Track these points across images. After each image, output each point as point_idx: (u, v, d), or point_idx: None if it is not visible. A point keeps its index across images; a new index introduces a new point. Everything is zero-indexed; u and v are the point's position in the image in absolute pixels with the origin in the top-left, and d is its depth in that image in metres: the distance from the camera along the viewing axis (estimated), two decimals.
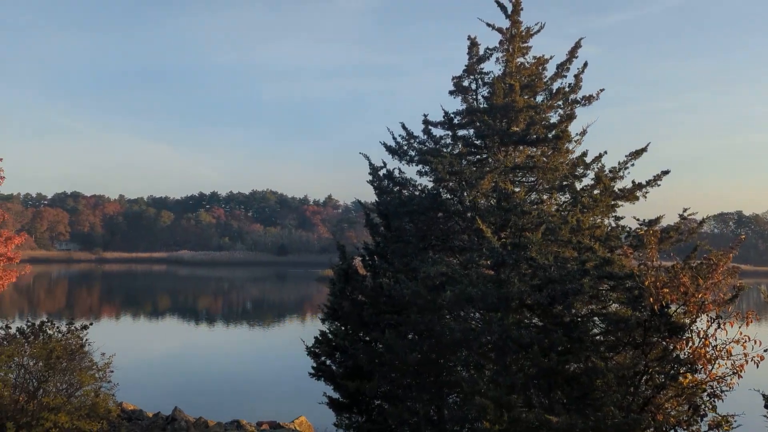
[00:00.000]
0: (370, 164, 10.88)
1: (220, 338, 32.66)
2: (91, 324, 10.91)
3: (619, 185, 9.97)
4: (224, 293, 67.35)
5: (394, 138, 10.77)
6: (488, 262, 9.04)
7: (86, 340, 10.41)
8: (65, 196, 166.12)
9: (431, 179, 10.09)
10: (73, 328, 10.37)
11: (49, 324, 10.27)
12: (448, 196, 10.03)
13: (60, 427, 8.96)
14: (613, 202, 9.88)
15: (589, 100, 10.39)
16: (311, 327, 36.52)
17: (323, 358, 10.32)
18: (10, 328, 10.19)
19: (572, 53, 10.48)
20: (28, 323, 10.22)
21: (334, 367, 10.09)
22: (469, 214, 9.69)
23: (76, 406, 9.57)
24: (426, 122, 11.04)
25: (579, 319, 8.55)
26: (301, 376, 21.06)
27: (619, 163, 9.95)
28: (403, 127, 11.05)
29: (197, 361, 25.15)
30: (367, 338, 9.79)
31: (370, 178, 10.85)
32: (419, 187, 10.48)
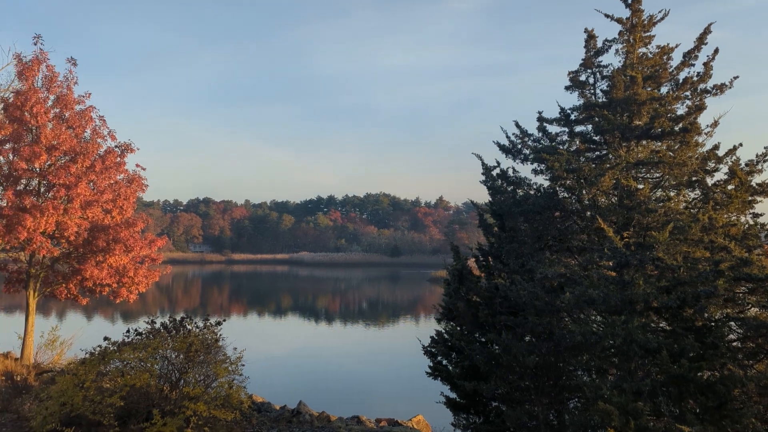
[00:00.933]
0: (483, 164, 10.73)
1: (338, 336, 33.62)
2: (224, 320, 11.62)
3: (756, 180, 9.14)
4: (341, 293, 69.26)
5: (507, 137, 10.55)
6: (610, 263, 8.61)
7: (220, 335, 11.10)
8: (198, 202, 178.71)
9: (547, 177, 9.77)
10: (208, 324, 11.09)
11: (188, 320, 11.06)
12: (566, 194, 9.67)
13: (198, 416, 9.59)
14: (750, 198, 9.06)
15: (720, 89, 9.59)
16: (424, 327, 36.63)
17: (439, 358, 10.31)
18: (155, 323, 11.06)
19: (701, 40, 9.74)
20: (170, 319, 11.05)
21: (450, 367, 10.04)
22: (588, 213, 9.30)
23: (213, 396, 10.22)
24: (541, 119, 10.71)
25: (713, 324, 7.91)
26: (416, 375, 21.22)
27: (756, 156, 9.11)
28: (517, 125, 10.80)
29: (317, 358, 26.04)
30: (483, 339, 9.65)
31: (483, 178, 10.70)
32: (534, 186, 10.19)
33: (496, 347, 9.09)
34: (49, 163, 14.81)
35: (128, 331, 10.82)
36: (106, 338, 10.76)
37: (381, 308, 51.67)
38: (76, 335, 18.40)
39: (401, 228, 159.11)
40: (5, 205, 14.00)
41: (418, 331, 34.74)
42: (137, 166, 16.80)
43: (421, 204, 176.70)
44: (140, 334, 10.82)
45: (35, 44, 15.37)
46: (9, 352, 17.16)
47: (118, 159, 15.90)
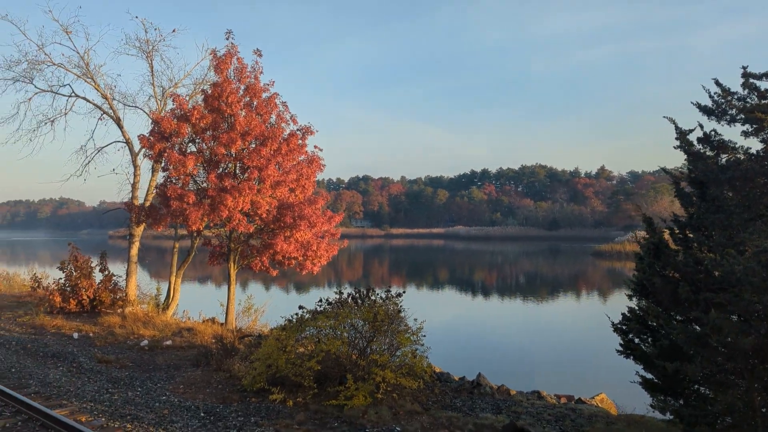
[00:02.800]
0: (677, 128, 9.75)
1: (498, 310, 33.24)
2: (404, 292, 11.89)
3: None
4: (498, 266, 68.41)
5: (710, 96, 9.47)
6: None
7: (401, 306, 11.39)
8: (358, 180, 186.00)
9: (761, 139, 8.64)
10: (390, 295, 11.43)
11: (372, 291, 11.47)
12: None
13: (387, 382, 9.95)
14: None
15: None
16: (588, 303, 34.98)
17: (631, 336, 9.67)
18: (342, 293, 11.63)
19: None
20: (356, 290, 11.55)
21: (643, 346, 9.38)
22: None
23: (398, 364, 10.55)
24: (746, 75, 9.44)
25: None
26: (591, 352, 20.40)
27: None
28: (717, 83, 9.61)
29: (483, 331, 25.97)
30: (683, 317, 8.86)
31: (678, 143, 9.73)
32: (743, 150, 9.07)
33: (699, 326, 8.30)
34: (242, 147, 16.10)
35: (320, 300, 11.47)
36: (300, 307, 11.50)
37: (540, 282, 50.22)
38: (267, 303, 20.08)
39: (559, 200, 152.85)
40: (209, 187, 15.49)
41: (581, 307, 33.25)
42: (315, 147, 17.75)
43: (580, 174, 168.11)
44: (330, 303, 11.45)
45: (227, 39, 16.76)
46: (214, 317, 19.16)
47: (300, 141, 16.87)
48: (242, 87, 16.62)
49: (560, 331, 25.49)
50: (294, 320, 11.16)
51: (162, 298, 20.24)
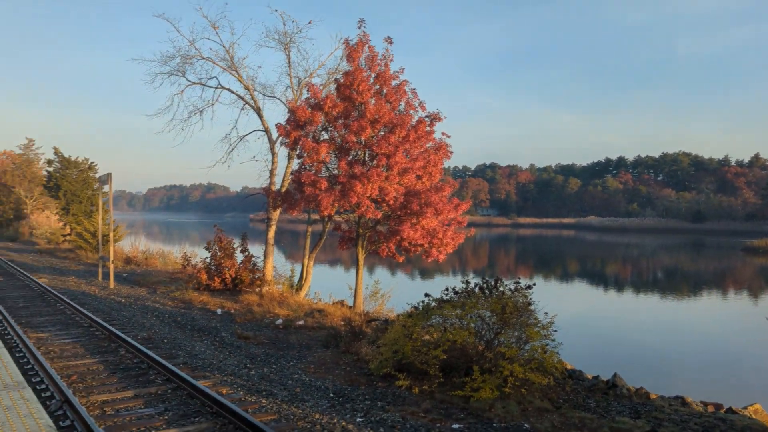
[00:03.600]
0: None
1: (632, 306, 31.15)
2: (534, 285, 11.38)
3: None
4: (633, 260, 64.21)
5: None
6: None
7: (531, 298, 10.91)
8: (485, 167, 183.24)
9: None
10: (519, 286, 10.99)
11: (501, 282, 11.09)
12: None
13: (515, 377, 9.58)
14: None
15: None
16: (737, 303, 31.70)
17: None
18: (469, 283, 11.36)
19: None
20: (484, 280, 11.23)
21: None
22: None
23: (527, 359, 10.13)
24: None
25: None
26: (741, 358, 18.45)
27: None
28: None
29: (615, 328, 24.46)
30: None
31: None
32: None
33: None
34: (372, 135, 16.28)
35: (446, 289, 11.30)
36: (427, 295, 11.40)
37: (681, 279, 46.41)
38: (392, 289, 20.28)
39: (705, 190, 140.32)
40: (340, 173, 15.85)
41: (728, 307, 30.22)
42: (443, 134, 17.54)
43: (730, 163, 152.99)
44: (457, 292, 11.24)
45: (359, 27, 16.98)
46: (343, 300, 19.69)
47: (428, 128, 16.74)
48: (373, 75, 16.77)
49: (704, 333, 23.37)
50: (420, 308, 11.09)
51: (296, 279, 21.16)
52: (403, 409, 9.03)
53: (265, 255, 21.44)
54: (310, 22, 21.71)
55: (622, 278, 46.40)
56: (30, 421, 3.61)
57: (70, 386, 8.93)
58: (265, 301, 17.84)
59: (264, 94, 22.16)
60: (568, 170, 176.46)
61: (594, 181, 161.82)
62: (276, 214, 21.60)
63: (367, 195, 15.43)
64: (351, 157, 16.71)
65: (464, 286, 11.31)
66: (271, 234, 21.64)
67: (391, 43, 16.98)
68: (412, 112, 16.89)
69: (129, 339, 11.77)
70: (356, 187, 15.07)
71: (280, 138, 18.96)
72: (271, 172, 21.69)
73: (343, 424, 8.01)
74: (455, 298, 11.05)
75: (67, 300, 16.53)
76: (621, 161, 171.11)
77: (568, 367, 12.49)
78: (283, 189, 20.75)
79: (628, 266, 57.06)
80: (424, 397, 9.59)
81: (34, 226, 52.99)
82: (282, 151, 22.02)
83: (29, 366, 9.76)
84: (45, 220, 53.22)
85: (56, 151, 44.58)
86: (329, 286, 23.82)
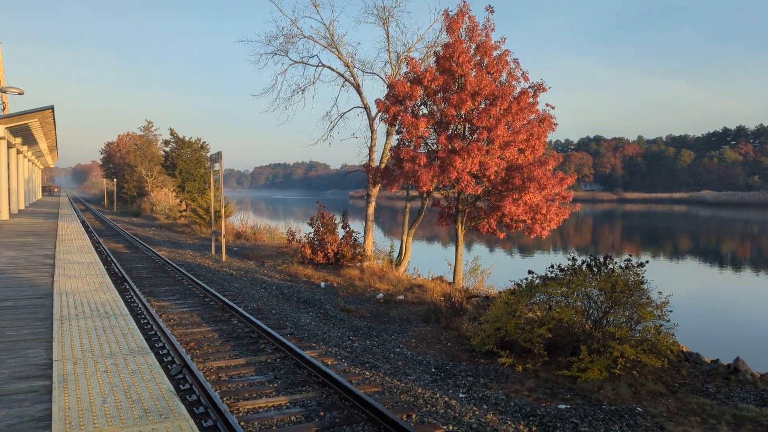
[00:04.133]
0: None
1: (756, 287, 28.69)
2: (647, 262, 10.69)
3: None
4: (755, 238, 59.12)
5: None
6: None
7: (643, 277, 10.25)
8: (588, 141, 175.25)
9: None
10: (630, 264, 10.35)
11: (610, 259, 10.50)
12: None
13: (625, 358, 9.08)
14: None
15: None
16: None
17: None
18: (576, 260, 10.85)
19: None
20: (592, 257, 10.68)
21: None
22: None
23: (638, 340, 9.56)
24: None
25: None
26: None
27: None
28: None
29: (738, 309, 22.66)
30: None
31: None
32: None
33: None
34: (472, 108, 15.87)
35: (552, 266, 10.87)
36: (530, 272, 11.03)
37: None
38: (492, 266, 19.91)
39: None
40: (439, 148, 15.62)
41: None
42: (547, 105, 16.77)
43: None
44: (562, 270, 10.78)
45: None
46: (442, 276, 19.60)
47: (531, 100, 16.07)
48: (473, 46, 16.28)
49: None
50: (523, 285, 10.75)
51: (395, 255, 21.29)
52: (506, 386, 8.83)
53: (365, 231, 21.71)
54: None
55: (740, 257, 42.94)
56: (152, 384, 3.79)
57: (188, 352, 9.49)
58: (366, 276, 18.09)
59: (363, 71, 22.31)
60: (680, 142, 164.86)
61: (709, 152, 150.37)
62: (375, 191, 21.76)
63: (467, 170, 15.11)
64: (450, 131, 16.41)
65: (570, 263, 10.83)
66: (371, 210, 21.85)
67: (492, 12, 16.38)
68: (514, 83, 16.27)
69: (240, 309, 12.32)
70: (456, 162, 14.79)
71: (379, 114, 18.98)
72: (370, 149, 21.82)
73: (446, 399, 7.94)
74: (560, 276, 10.62)
75: (184, 272, 17.60)
76: (741, 131, 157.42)
77: (684, 349, 11.69)
78: (382, 165, 20.82)
79: (747, 244, 52.69)
80: (528, 376, 9.33)
81: (154, 202, 57.00)
82: (381, 128, 22.10)
83: (152, 332, 10.48)
84: (163, 196, 57.07)
85: (172, 132, 47.48)
86: (427, 261, 23.81)
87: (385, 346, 10.83)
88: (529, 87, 16.25)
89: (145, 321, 11.39)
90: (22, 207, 31.09)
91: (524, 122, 16.19)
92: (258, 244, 29.20)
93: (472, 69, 15.97)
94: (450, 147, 15.28)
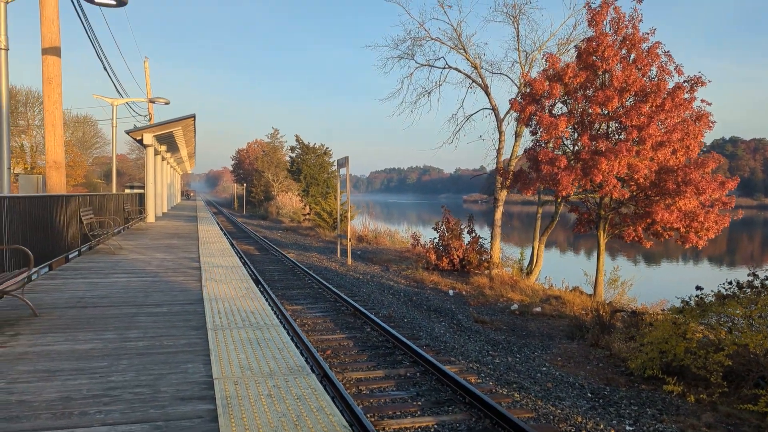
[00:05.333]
0: None
1: None
2: None
3: None
4: None
5: None
6: None
7: None
8: (723, 142, 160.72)
9: None
10: None
11: None
12: None
13: None
14: None
15: None
16: None
17: None
18: (757, 275, 9.33)
19: None
20: None
21: None
22: None
23: None
24: None
25: None
26: None
27: None
28: None
29: None
30: None
31: None
32: None
33: None
34: (618, 105, 14.48)
35: (730, 282, 9.41)
36: (698, 287, 9.65)
37: None
38: (634, 277, 18.18)
39: None
40: (582, 149, 14.39)
41: None
42: (702, 101, 14.96)
43: None
44: (741, 286, 9.30)
45: None
46: (577, 287, 18.19)
47: (687, 95, 14.38)
48: (619, 39, 14.87)
49: None
50: (692, 303, 9.39)
51: (525, 262, 20.13)
52: (679, 420, 7.61)
53: (492, 236, 20.74)
54: None
55: None
56: (322, 416, 3.32)
57: (326, 360, 9.16)
58: (496, 285, 17.15)
59: (491, 72, 21.35)
60: None
61: None
62: (503, 195, 20.74)
63: (614, 173, 13.76)
64: (594, 130, 15.09)
65: (750, 279, 9.32)
66: (498, 215, 20.85)
67: (640, 1, 14.89)
68: (666, 77, 14.64)
69: (372, 316, 11.92)
70: (601, 164, 13.50)
71: (508, 115, 18.02)
72: (498, 152, 20.83)
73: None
74: (740, 294, 9.15)
75: (313, 274, 17.63)
76: None
77: None
78: (511, 168, 19.78)
79: None
80: (704, 408, 8.02)
81: (279, 206, 59.28)
82: (509, 130, 21.06)
83: (290, 336, 10.32)
84: (288, 200, 59.19)
85: (297, 139, 49.07)
86: (560, 270, 22.37)
87: (529, 364, 9.91)
88: (684, 81, 14.55)
89: (283, 325, 11.30)
90: (165, 210, 33.27)
91: (678, 120, 14.51)
92: (380, 247, 29.09)
93: (617, 63, 14.57)
94: (594, 148, 14.00)
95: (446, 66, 21.81)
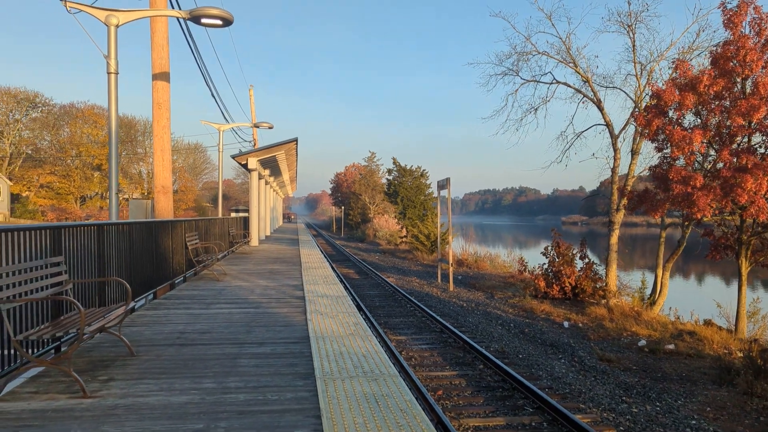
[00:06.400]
0: None
1: None
2: None
3: None
4: None
5: None
6: None
7: None
8: None
9: None
10: None
11: None
12: None
13: None
14: None
15: None
16: None
17: None
18: None
19: None
20: None
21: None
22: None
23: None
24: None
25: None
26: None
27: None
28: None
29: None
30: None
31: None
32: None
33: None
34: (765, 115, 12.62)
35: None
36: None
37: None
38: None
39: None
40: (722, 166, 12.63)
41: None
42: None
43: None
44: None
45: None
46: (710, 320, 16.09)
47: None
48: (761, 42, 13.04)
49: None
50: None
51: (647, 291, 18.20)
52: None
53: (608, 262, 18.99)
54: None
55: None
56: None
57: (438, 402, 8.23)
58: (616, 316, 15.47)
59: (605, 86, 19.75)
60: None
61: None
62: (619, 217, 18.98)
63: (762, 192, 11.89)
64: (735, 145, 13.26)
65: None
66: (614, 239, 19.09)
67: None
68: None
69: (483, 350, 10.84)
70: (746, 182, 11.72)
71: (630, 129, 16.41)
72: (613, 170, 19.15)
73: None
74: None
75: (415, 301, 16.77)
76: None
77: None
78: (628, 188, 18.05)
79: None
80: None
81: (376, 228, 59.26)
82: (624, 147, 19.35)
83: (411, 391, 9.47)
84: (384, 223, 59.05)
85: (394, 161, 48.82)
86: (684, 300, 20.09)
87: (673, 415, 8.43)
88: None
89: (389, 355, 10.49)
90: (268, 233, 33.83)
91: None
92: (481, 272, 27.80)
93: (761, 68, 12.74)
94: (737, 164, 12.21)
95: (554, 81, 20.50)
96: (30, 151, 65.60)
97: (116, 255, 6.84)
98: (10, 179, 61.44)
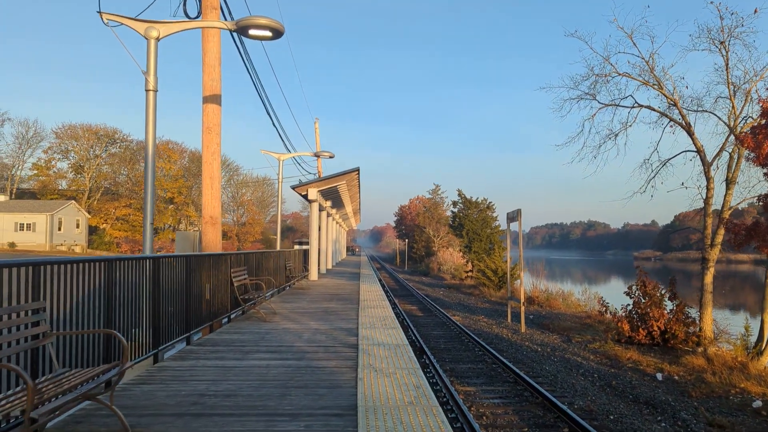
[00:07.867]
0: None
1: None
2: None
3: None
4: None
5: None
6: None
7: None
8: None
9: None
10: None
11: None
12: None
13: None
14: None
15: None
16: None
17: None
18: None
19: None
20: None
21: None
22: None
23: None
24: None
25: None
26: None
27: None
28: None
29: None
30: None
31: None
32: None
33: None
34: None
35: None
36: None
37: None
38: None
39: None
40: None
41: None
42: None
43: None
44: None
45: None
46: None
47: None
48: None
49: None
50: None
51: (751, 339, 15.78)
52: None
53: (702, 304, 16.74)
54: (756, 11, 16.53)
55: None
56: None
57: None
58: (718, 368, 13.26)
59: (690, 109, 17.76)
60: None
61: None
62: (714, 254, 16.76)
63: None
64: None
65: None
66: (709, 278, 16.85)
67: None
68: None
69: (567, 409, 9.14)
70: None
71: (724, 156, 14.39)
72: (706, 201, 17.03)
73: None
74: None
75: (484, 344, 15.14)
76: None
77: None
78: (724, 219, 15.88)
79: None
80: None
81: (441, 261, 57.49)
82: (718, 176, 17.20)
83: None
84: (449, 256, 57.21)
85: (459, 194, 47.29)
86: None
87: None
88: None
89: (453, 416, 8.97)
90: (330, 266, 32.91)
91: None
92: (554, 311, 25.67)
93: None
94: None
95: (635, 105, 18.67)
96: (108, 185, 68.40)
97: (131, 297, 5.79)
98: (89, 212, 64.00)
